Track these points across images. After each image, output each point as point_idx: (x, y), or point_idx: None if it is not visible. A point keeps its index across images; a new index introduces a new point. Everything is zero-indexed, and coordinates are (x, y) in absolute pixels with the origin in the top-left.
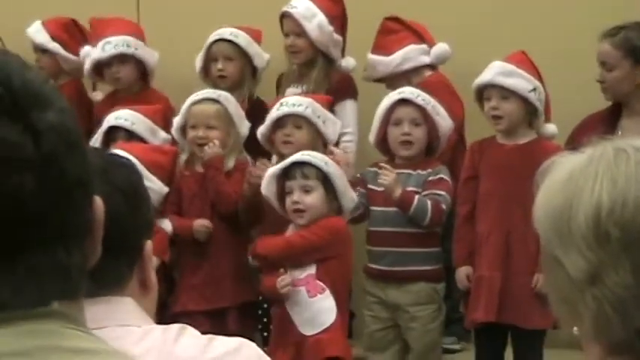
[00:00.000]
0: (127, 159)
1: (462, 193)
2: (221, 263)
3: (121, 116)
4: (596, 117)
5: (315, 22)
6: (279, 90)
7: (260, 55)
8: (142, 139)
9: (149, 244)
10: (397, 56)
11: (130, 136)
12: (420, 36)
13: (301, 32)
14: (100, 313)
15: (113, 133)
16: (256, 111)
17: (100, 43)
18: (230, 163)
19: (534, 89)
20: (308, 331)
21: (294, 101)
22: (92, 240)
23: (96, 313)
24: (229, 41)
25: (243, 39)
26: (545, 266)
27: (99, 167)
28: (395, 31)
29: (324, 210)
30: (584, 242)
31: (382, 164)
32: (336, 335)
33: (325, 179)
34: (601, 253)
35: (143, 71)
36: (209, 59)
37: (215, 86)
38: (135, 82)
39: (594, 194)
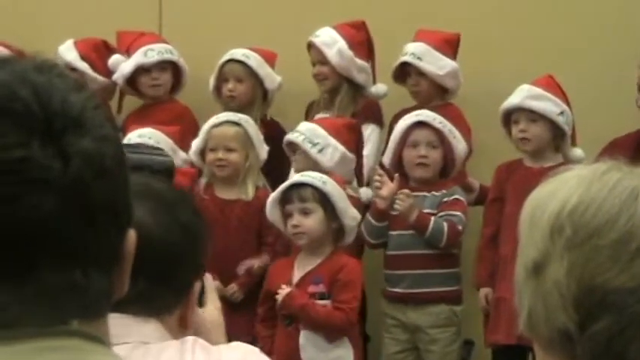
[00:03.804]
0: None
1: (487, 215)
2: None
3: (145, 134)
4: (624, 139)
5: (336, 48)
6: (308, 118)
7: (271, 77)
8: None
9: (197, 286)
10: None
11: None
12: None
13: (324, 60)
14: (123, 329)
15: None
16: (271, 132)
17: (142, 49)
18: (250, 191)
19: (562, 112)
20: None
21: (299, 128)
22: (120, 270)
23: (119, 328)
24: (241, 62)
25: (254, 60)
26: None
27: (169, 201)
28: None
29: (324, 230)
30: (541, 232)
31: (401, 190)
32: None
33: (324, 199)
34: (550, 246)
35: (172, 83)
36: (221, 79)
37: (226, 106)
38: (167, 92)
39: (568, 192)
